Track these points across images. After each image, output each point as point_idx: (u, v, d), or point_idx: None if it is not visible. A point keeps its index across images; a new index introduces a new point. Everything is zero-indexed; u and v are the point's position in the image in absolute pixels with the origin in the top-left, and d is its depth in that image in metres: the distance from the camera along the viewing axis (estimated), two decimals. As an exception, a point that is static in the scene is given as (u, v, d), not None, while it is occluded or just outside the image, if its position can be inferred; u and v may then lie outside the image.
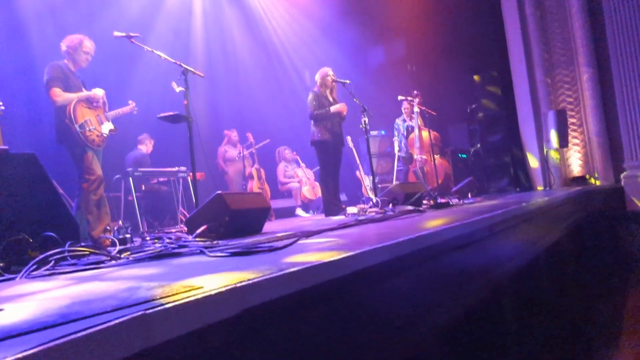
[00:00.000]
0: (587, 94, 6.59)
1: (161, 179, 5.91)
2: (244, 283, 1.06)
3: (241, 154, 7.01)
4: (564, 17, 6.73)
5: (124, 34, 3.50)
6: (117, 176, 5.37)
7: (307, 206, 7.60)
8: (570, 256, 4.71)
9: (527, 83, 6.96)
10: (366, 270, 1.49)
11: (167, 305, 0.88)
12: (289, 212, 7.42)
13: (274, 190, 7.65)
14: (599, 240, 5.74)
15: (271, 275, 1.14)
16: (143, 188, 5.69)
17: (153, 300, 0.94)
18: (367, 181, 7.64)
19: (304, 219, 6.00)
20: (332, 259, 1.34)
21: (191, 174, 3.69)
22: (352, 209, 4.94)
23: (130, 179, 5.18)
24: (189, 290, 1.00)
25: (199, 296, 0.95)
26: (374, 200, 4.33)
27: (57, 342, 0.68)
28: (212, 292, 0.98)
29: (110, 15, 6.07)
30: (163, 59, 3.58)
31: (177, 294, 0.98)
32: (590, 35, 6.49)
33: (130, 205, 5.37)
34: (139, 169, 5.36)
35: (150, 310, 0.84)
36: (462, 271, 2.36)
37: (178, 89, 3.41)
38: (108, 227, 3.55)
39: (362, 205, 4.96)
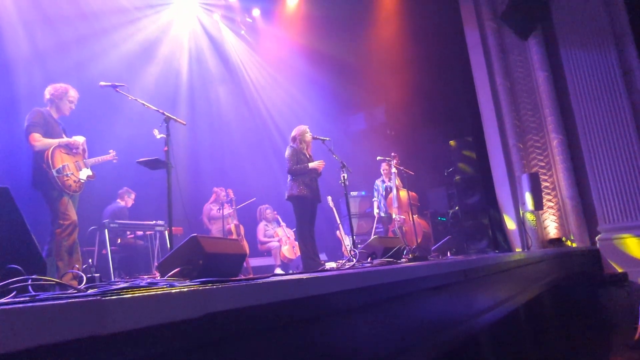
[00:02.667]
0: (558, 159, 6.87)
1: (138, 233, 5.80)
2: (207, 287, 1.04)
3: (221, 211, 6.98)
4: (531, 87, 7.17)
5: (109, 84, 3.60)
6: (93, 227, 5.26)
7: (286, 266, 7.47)
8: (550, 315, 4.67)
9: (500, 148, 7.24)
10: (333, 297, 1.47)
11: (124, 296, 0.86)
12: (268, 271, 7.27)
13: (253, 249, 7.54)
14: (579, 302, 5.72)
15: (237, 284, 1.12)
16: (119, 241, 5.56)
17: (112, 294, 0.91)
18: (347, 241, 7.61)
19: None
20: (300, 277, 1.33)
21: (168, 228, 3.64)
22: (331, 264, 4.88)
23: (106, 231, 5.08)
24: (151, 290, 0.98)
25: (159, 292, 0.93)
26: (352, 253, 4.30)
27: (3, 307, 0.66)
28: (174, 291, 0.96)
29: (96, 66, 6.27)
30: (146, 110, 3.67)
31: (138, 290, 0.96)
32: (557, 104, 6.88)
33: (104, 259, 5.21)
34: (116, 221, 5.28)
35: (106, 297, 0.82)
36: (436, 315, 2.32)
37: (159, 136, 3.46)
38: (77, 266, 3.43)
39: (341, 261, 4.91)
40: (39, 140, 3.65)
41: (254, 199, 7.60)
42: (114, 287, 1.92)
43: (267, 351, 1.18)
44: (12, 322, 0.67)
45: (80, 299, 0.77)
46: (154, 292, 0.91)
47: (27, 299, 1.59)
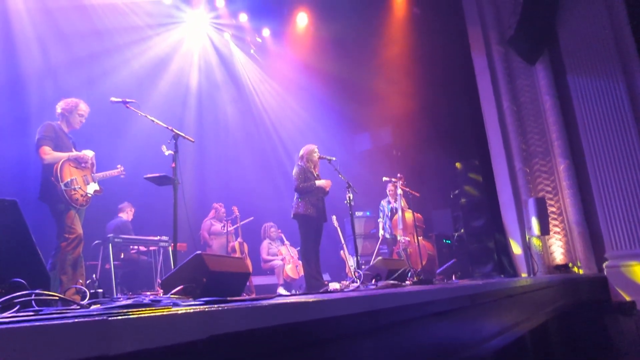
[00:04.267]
0: (565, 184, 6.83)
1: (141, 249, 5.79)
2: (213, 308, 1.03)
3: (225, 228, 6.97)
4: (538, 112, 7.18)
5: (120, 100, 3.64)
6: (97, 242, 5.26)
7: (289, 285, 7.41)
8: (556, 343, 4.58)
9: (506, 171, 7.22)
10: (340, 321, 1.45)
11: (131, 316, 0.85)
12: (270, 290, 7.21)
13: (256, 267, 7.50)
14: (586, 330, 5.61)
15: (242, 305, 1.11)
16: (122, 256, 5.55)
17: (118, 314, 0.91)
18: (351, 261, 7.56)
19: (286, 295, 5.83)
20: (306, 299, 1.32)
21: (172, 244, 3.63)
22: (334, 284, 4.84)
23: (110, 245, 5.08)
24: (157, 310, 0.97)
25: (165, 313, 0.92)
26: (357, 274, 4.27)
27: (8, 326, 0.66)
28: (180, 312, 0.95)
29: (108, 82, 6.36)
30: (155, 126, 3.70)
31: (144, 311, 0.95)
32: (564, 129, 6.87)
33: (107, 274, 5.20)
34: (120, 236, 5.28)
35: (113, 318, 0.81)
36: (442, 341, 2.29)
37: (167, 152, 3.49)
38: (80, 281, 3.42)
39: (345, 282, 4.88)
40: (49, 153, 3.69)
41: (252, 218, 7.60)
42: (117, 304, 1.92)
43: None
44: (17, 342, 0.66)
45: (87, 319, 0.77)
46: (159, 313, 0.90)
47: (30, 314, 1.59)
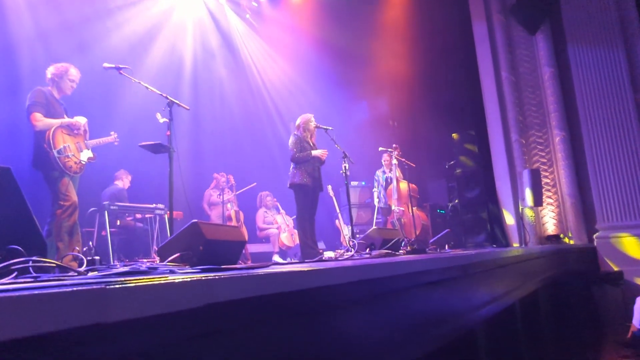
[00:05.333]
0: (560, 156, 6.86)
1: (137, 216, 5.81)
2: (210, 276, 1.04)
3: (221, 196, 6.98)
4: (536, 83, 7.13)
5: (113, 65, 3.57)
6: (92, 209, 5.26)
7: (284, 253, 7.51)
8: (545, 311, 4.70)
9: (502, 142, 7.23)
10: (334, 290, 1.47)
11: (129, 285, 0.86)
12: (266, 258, 7.30)
13: (252, 235, 7.56)
14: (574, 299, 5.76)
15: (239, 274, 1.13)
16: (118, 223, 5.58)
17: (116, 282, 0.91)
18: (346, 230, 7.63)
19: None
20: (301, 268, 1.34)
21: (168, 212, 3.64)
22: (329, 253, 4.91)
23: (106, 212, 5.09)
24: (154, 278, 0.98)
25: (163, 282, 0.93)
26: (351, 243, 4.32)
27: (7, 294, 0.66)
28: (177, 280, 0.96)
29: (101, 48, 6.21)
30: (150, 94, 3.65)
31: (141, 279, 0.96)
32: (561, 101, 6.86)
33: (103, 241, 5.23)
34: (116, 203, 5.28)
35: (111, 287, 0.82)
36: (434, 309, 2.34)
37: (162, 120, 3.45)
38: (77, 248, 3.44)
39: (340, 250, 4.94)
40: (40, 120, 3.64)
41: (255, 184, 7.61)
42: (115, 271, 1.94)
43: (264, 341, 1.19)
44: (16, 309, 0.67)
45: (85, 287, 0.77)
46: (157, 282, 0.91)
47: (29, 280, 1.60)
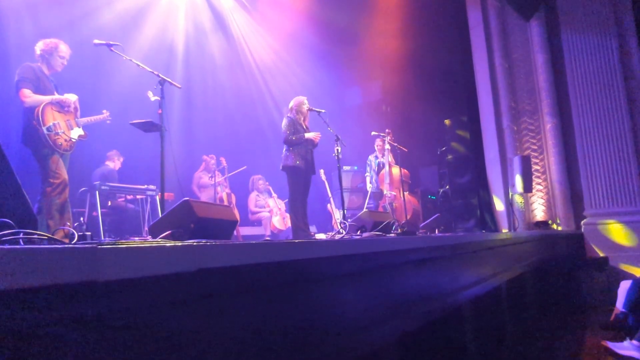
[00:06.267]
0: (550, 143, 6.91)
1: (128, 197, 5.79)
2: (202, 243, 1.05)
3: (213, 179, 6.97)
4: (529, 70, 7.14)
5: (104, 42, 3.52)
6: (83, 189, 5.24)
7: (276, 236, 7.54)
8: (531, 293, 4.80)
9: (494, 129, 7.26)
10: (324, 262, 1.49)
11: (121, 246, 0.87)
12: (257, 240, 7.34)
13: (244, 218, 7.58)
14: (559, 283, 5.87)
15: (231, 242, 1.14)
16: (109, 204, 5.55)
17: (107, 243, 0.92)
18: (337, 214, 7.67)
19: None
20: (292, 241, 1.35)
21: (160, 193, 3.63)
22: (321, 236, 4.94)
23: (97, 193, 5.06)
24: (145, 242, 0.99)
25: (154, 245, 0.94)
26: (342, 225, 4.35)
27: None
28: (168, 244, 0.97)
29: (91, 24, 6.11)
30: (141, 72, 3.61)
31: (132, 242, 0.97)
32: (554, 88, 6.89)
33: (94, 221, 5.21)
34: (107, 184, 5.25)
35: (103, 247, 0.83)
36: (422, 287, 2.38)
37: (153, 98, 3.42)
38: (68, 223, 3.44)
39: (331, 233, 4.97)
40: (29, 96, 3.59)
41: (245, 167, 7.59)
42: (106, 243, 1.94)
43: (254, 309, 1.21)
44: (8, 263, 0.67)
45: (77, 246, 0.78)
46: (148, 245, 0.92)
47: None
